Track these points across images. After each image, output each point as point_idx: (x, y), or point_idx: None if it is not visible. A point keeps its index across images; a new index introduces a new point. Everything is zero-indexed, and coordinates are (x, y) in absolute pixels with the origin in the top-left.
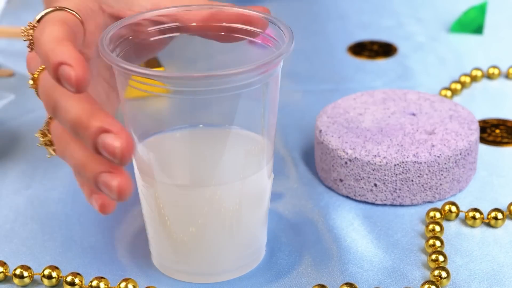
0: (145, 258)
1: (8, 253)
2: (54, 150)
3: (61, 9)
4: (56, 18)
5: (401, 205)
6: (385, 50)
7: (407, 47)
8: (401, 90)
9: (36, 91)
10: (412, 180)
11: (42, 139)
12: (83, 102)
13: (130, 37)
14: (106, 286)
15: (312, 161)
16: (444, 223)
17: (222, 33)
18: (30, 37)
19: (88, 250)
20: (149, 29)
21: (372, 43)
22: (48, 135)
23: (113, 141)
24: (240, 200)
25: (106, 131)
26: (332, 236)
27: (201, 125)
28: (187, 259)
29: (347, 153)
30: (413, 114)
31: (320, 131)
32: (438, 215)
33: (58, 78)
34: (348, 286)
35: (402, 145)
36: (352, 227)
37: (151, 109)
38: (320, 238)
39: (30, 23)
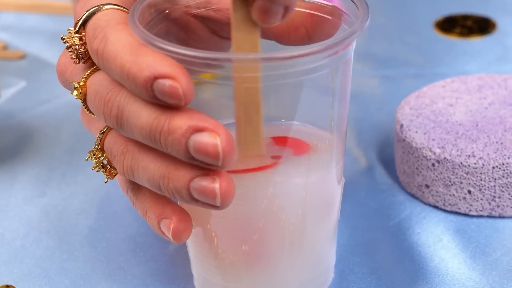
0: (186, 282)
1: (18, 276)
2: (112, 172)
3: (106, 5)
4: (113, 21)
5: (501, 217)
6: (481, 26)
7: (508, 23)
8: (500, 76)
9: (83, 100)
10: None
11: (95, 161)
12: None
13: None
14: None
15: (392, 163)
16: None
17: (285, 35)
18: (77, 47)
19: (116, 272)
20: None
21: (465, 17)
22: (103, 154)
23: (211, 139)
24: (304, 211)
25: (198, 129)
26: (416, 255)
27: None
28: (238, 284)
29: (434, 153)
30: None
31: (402, 126)
32: None
33: (154, 95)
34: None
35: (502, 143)
36: (440, 243)
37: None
38: (401, 258)
39: (71, 29)
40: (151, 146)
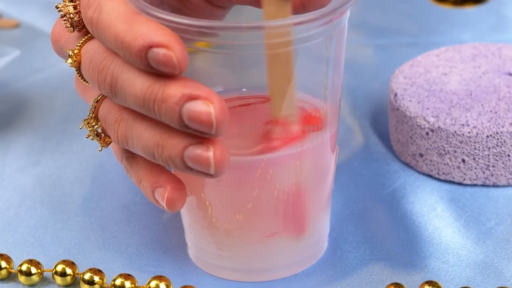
0: (180, 251)
1: (13, 245)
2: (106, 140)
3: None
4: None
5: (495, 186)
6: None
7: None
8: (495, 45)
9: (77, 69)
10: (509, 155)
11: (90, 130)
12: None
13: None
14: (133, 286)
15: (386, 132)
16: None
17: None
18: (71, 16)
19: (110, 241)
20: None
21: None
22: (98, 123)
23: (205, 107)
24: (298, 179)
25: (192, 97)
26: (410, 224)
27: (244, 89)
28: (232, 253)
29: (428, 122)
30: (510, 74)
31: (396, 94)
32: None
33: (148, 64)
34: (430, 285)
35: (496, 112)
36: (435, 212)
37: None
38: (395, 227)
39: None
40: (145, 114)
